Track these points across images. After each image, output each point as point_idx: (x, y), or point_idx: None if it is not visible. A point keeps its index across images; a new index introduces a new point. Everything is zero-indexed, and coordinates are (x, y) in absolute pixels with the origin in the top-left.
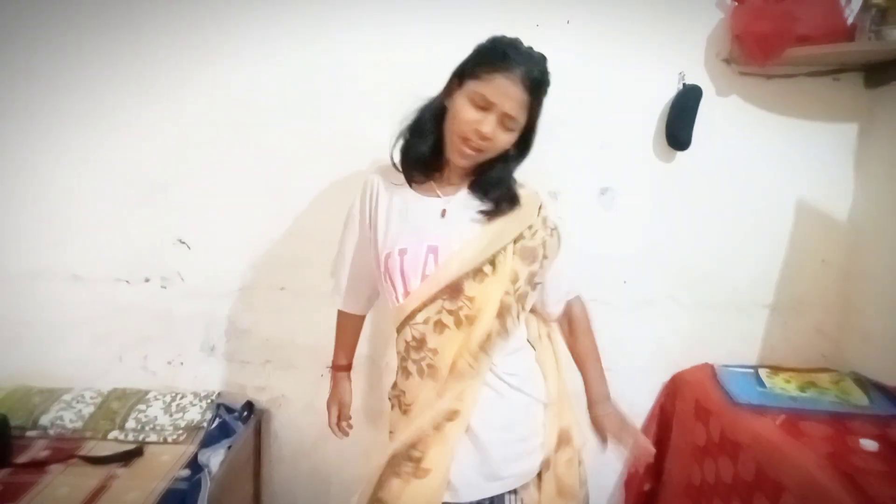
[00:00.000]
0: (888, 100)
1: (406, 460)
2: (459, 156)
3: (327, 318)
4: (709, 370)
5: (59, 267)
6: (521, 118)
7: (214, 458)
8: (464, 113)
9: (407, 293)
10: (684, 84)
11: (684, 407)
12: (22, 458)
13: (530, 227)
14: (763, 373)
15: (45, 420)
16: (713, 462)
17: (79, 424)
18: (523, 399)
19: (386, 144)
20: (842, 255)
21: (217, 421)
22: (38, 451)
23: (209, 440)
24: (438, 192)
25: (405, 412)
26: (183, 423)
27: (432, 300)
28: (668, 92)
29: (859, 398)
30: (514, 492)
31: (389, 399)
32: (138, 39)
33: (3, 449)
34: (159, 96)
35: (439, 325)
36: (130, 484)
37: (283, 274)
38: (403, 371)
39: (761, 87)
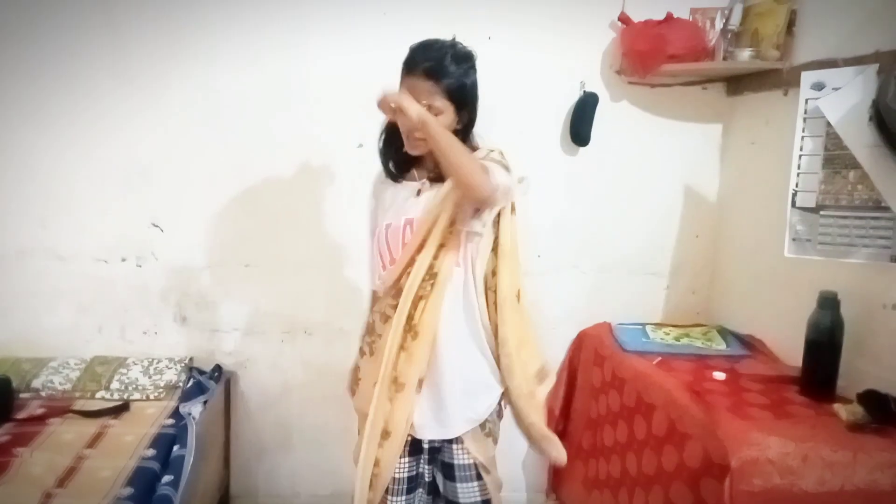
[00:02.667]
0: (744, 105)
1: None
2: (409, 148)
3: (288, 289)
4: (606, 326)
5: (45, 247)
6: (439, 103)
7: (195, 409)
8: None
9: (393, 260)
10: (584, 91)
11: (586, 356)
12: (21, 415)
13: None
14: (649, 328)
15: (36, 383)
16: (605, 397)
17: (68, 386)
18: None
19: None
20: (711, 230)
21: (192, 381)
22: (35, 409)
23: (187, 396)
24: (417, 176)
25: (373, 353)
26: (162, 383)
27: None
28: (571, 97)
29: (719, 344)
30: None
31: (361, 348)
32: (122, 40)
33: (7, 406)
34: (139, 93)
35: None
36: (124, 430)
37: (248, 251)
38: (382, 316)
39: (646, 94)
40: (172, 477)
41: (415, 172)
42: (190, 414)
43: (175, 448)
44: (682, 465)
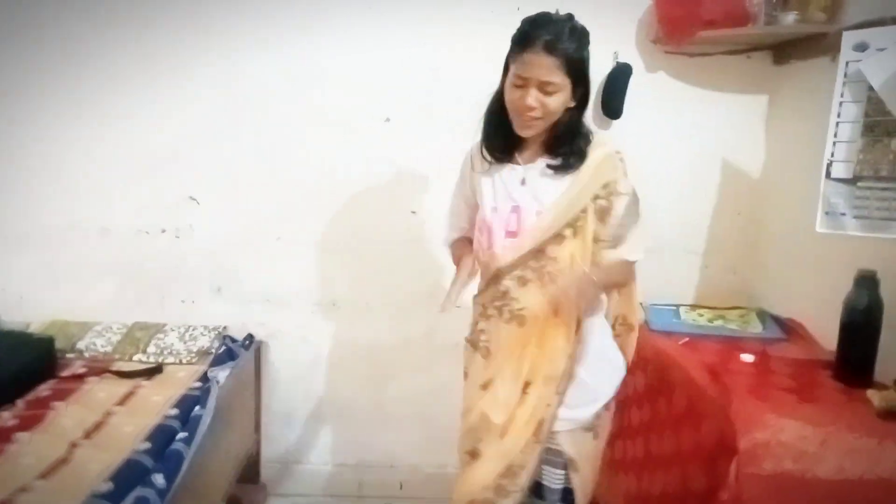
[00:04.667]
0: (792, 75)
1: None
2: (520, 129)
3: (316, 263)
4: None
5: (90, 221)
6: (558, 79)
7: (221, 374)
8: (509, 94)
9: (491, 244)
10: (617, 62)
11: None
12: (65, 373)
13: (605, 186)
14: (683, 309)
15: (80, 345)
16: (632, 378)
17: (109, 349)
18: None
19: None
20: (753, 207)
21: (224, 348)
22: (77, 368)
23: (217, 361)
24: (520, 161)
25: (484, 355)
26: (195, 349)
27: (519, 264)
28: (604, 69)
29: (755, 327)
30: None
31: (467, 341)
32: (156, 37)
33: (51, 364)
34: (173, 76)
35: (522, 280)
36: (154, 391)
37: (279, 225)
38: (484, 316)
39: (685, 65)
40: (187, 434)
41: (517, 155)
42: (215, 378)
43: (196, 409)
44: (698, 445)
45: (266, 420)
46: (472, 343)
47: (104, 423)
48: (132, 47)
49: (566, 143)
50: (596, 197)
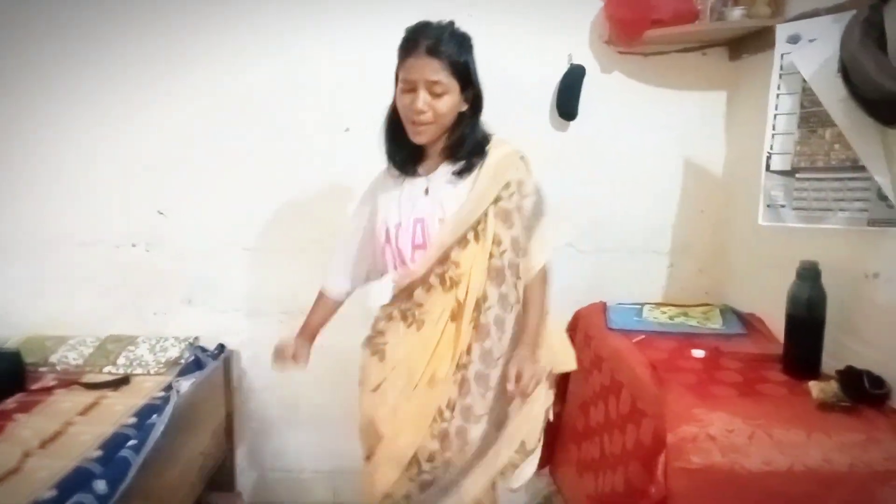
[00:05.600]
0: (749, 69)
1: None
2: (414, 135)
3: (286, 271)
4: (601, 306)
5: (68, 235)
6: (444, 79)
7: (185, 383)
8: (400, 101)
9: (402, 261)
10: (571, 63)
11: (579, 337)
12: (35, 386)
13: (507, 187)
14: (646, 308)
15: (53, 358)
16: (591, 377)
17: (80, 361)
18: None
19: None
20: (717, 205)
21: (192, 358)
22: (48, 381)
23: (184, 372)
24: (422, 173)
25: (380, 358)
26: (164, 359)
27: (428, 272)
28: (559, 71)
29: (715, 323)
30: None
31: (365, 347)
32: (121, 56)
33: (19, 377)
34: (139, 92)
35: (427, 286)
36: (118, 401)
37: (248, 236)
38: (387, 318)
39: (639, 64)
40: (136, 442)
41: (420, 167)
42: (175, 388)
43: (153, 417)
44: (638, 443)
45: (240, 428)
46: (370, 346)
47: (62, 433)
48: (103, 66)
49: (464, 146)
50: (497, 199)
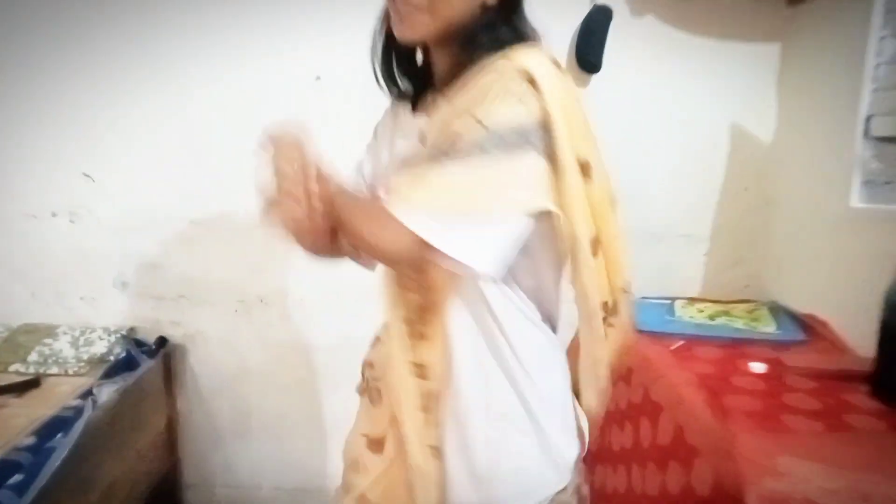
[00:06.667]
0: (811, 16)
1: None
2: (397, 25)
3: (241, 252)
4: None
5: None
6: None
7: (107, 389)
8: None
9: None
10: (595, 4)
11: None
12: None
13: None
14: (679, 303)
15: None
16: (613, 388)
17: None
18: None
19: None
20: (764, 181)
21: (122, 354)
22: None
23: (111, 373)
24: (424, 110)
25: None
26: (86, 357)
27: None
28: (581, 13)
29: (767, 325)
30: None
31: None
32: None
33: None
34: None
35: None
36: (19, 412)
37: (196, 206)
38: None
39: (677, 7)
40: (22, 477)
41: (420, 100)
42: (93, 396)
43: (58, 436)
44: (688, 489)
45: (186, 438)
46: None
47: None
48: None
49: (475, 49)
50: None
